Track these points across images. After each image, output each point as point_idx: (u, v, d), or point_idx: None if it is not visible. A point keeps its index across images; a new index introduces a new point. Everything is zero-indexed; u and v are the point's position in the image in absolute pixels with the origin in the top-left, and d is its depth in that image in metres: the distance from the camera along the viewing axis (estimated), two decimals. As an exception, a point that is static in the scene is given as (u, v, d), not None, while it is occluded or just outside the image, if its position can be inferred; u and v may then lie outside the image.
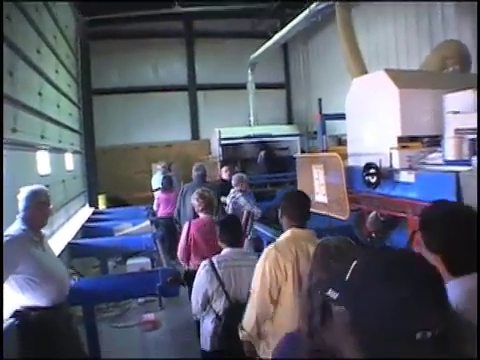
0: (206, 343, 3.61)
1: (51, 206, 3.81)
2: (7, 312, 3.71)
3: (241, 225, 4.18)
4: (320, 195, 5.28)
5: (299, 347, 1.64)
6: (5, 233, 3.61)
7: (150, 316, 6.40)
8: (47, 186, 6.77)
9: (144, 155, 15.02)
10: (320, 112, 6.76)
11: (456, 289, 1.45)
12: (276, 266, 2.86)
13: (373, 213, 5.20)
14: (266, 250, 2.99)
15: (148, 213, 9.62)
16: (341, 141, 10.49)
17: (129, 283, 5.05)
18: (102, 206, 12.79)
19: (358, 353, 1.05)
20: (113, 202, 13.28)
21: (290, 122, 16.75)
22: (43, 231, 3.89)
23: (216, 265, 3.55)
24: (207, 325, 3.61)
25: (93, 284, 4.95)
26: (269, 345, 2.83)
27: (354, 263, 1.13)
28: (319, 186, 5.27)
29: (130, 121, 15.06)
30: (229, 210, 6.80)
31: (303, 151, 12.12)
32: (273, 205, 9.42)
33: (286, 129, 13.85)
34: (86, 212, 10.84)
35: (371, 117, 5.04)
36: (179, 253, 4.97)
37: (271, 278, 2.86)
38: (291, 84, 17.31)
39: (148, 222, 8.60)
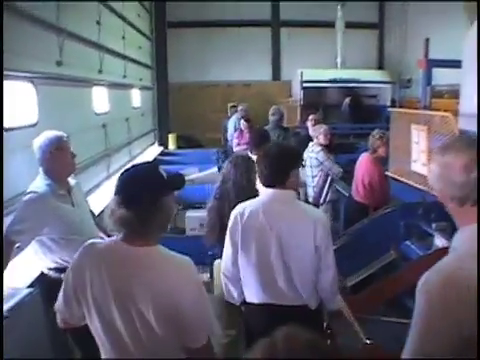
0: None
1: (72, 151, 3.12)
2: (29, 277, 3.31)
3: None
4: (418, 164, 4.15)
5: None
6: (28, 189, 3.05)
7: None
8: (104, 125, 6.32)
9: (220, 94, 14.20)
10: (426, 56, 5.35)
11: None
12: None
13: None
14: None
15: (218, 158, 8.98)
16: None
17: (179, 248, 4.37)
18: (172, 146, 12.35)
19: None
20: (184, 142, 12.85)
21: (381, 67, 15.05)
22: (72, 181, 3.26)
23: None
24: None
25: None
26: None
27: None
28: (418, 153, 4.16)
29: (207, 57, 14.18)
30: (307, 167, 5.86)
31: (393, 101, 10.87)
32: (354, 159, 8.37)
33: (376, 75, 12.47)
34: (154, 152, 10.39)
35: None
36: None
37: None
38: (385, 25, 15.36)
39: (216, 169, 7.98)
